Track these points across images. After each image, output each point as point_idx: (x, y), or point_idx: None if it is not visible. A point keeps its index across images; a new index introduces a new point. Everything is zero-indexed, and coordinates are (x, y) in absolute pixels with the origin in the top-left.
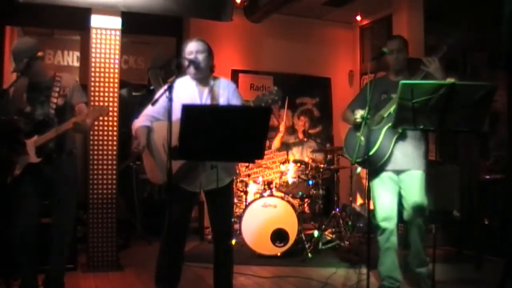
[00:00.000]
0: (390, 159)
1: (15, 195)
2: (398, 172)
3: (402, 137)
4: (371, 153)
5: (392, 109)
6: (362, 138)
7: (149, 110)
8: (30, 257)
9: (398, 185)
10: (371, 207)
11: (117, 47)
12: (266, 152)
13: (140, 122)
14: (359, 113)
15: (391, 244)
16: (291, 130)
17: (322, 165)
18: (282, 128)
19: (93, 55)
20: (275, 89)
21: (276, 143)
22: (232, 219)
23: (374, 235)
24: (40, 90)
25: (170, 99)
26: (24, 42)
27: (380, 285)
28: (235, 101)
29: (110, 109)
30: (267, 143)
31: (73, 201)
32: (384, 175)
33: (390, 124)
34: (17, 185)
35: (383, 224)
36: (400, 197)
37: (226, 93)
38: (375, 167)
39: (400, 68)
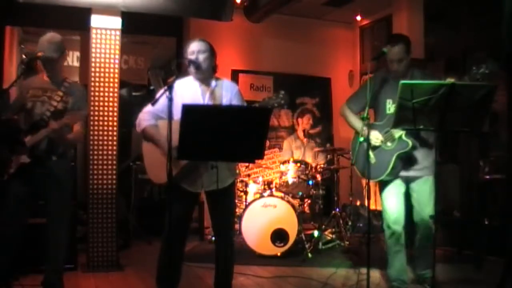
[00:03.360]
0: (399, 169)
1: (5, 193)
2: (408, 180)
3: (412, 147)
4: (383, 177)
5: (403, 133)
6: (372, 156)
7: (151, 107)
8: (6, 259)
9: (408, 191)
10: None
11: (117, 47)
12: (266, 152)
13: (147, 120)
14: (377, 139)
15: (400, 247)
16: (291, 129)
17: (322, 165)
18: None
19: (93, 55)
20: (282, 93)
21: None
22: (234, 219)
23: (374, 235)
24: (45, 89)
25: (170, 99)
26: (53, 36)
27: (390, 286)
28: (237, 103)
29: (110, 109)
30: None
31: (65, 202)
32: (392, 180)
33: (402, 151)
34: (9, 184)
35: (393, 227)
36: (409, 200)
37: (229, 94)
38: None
39: (401, 75)
